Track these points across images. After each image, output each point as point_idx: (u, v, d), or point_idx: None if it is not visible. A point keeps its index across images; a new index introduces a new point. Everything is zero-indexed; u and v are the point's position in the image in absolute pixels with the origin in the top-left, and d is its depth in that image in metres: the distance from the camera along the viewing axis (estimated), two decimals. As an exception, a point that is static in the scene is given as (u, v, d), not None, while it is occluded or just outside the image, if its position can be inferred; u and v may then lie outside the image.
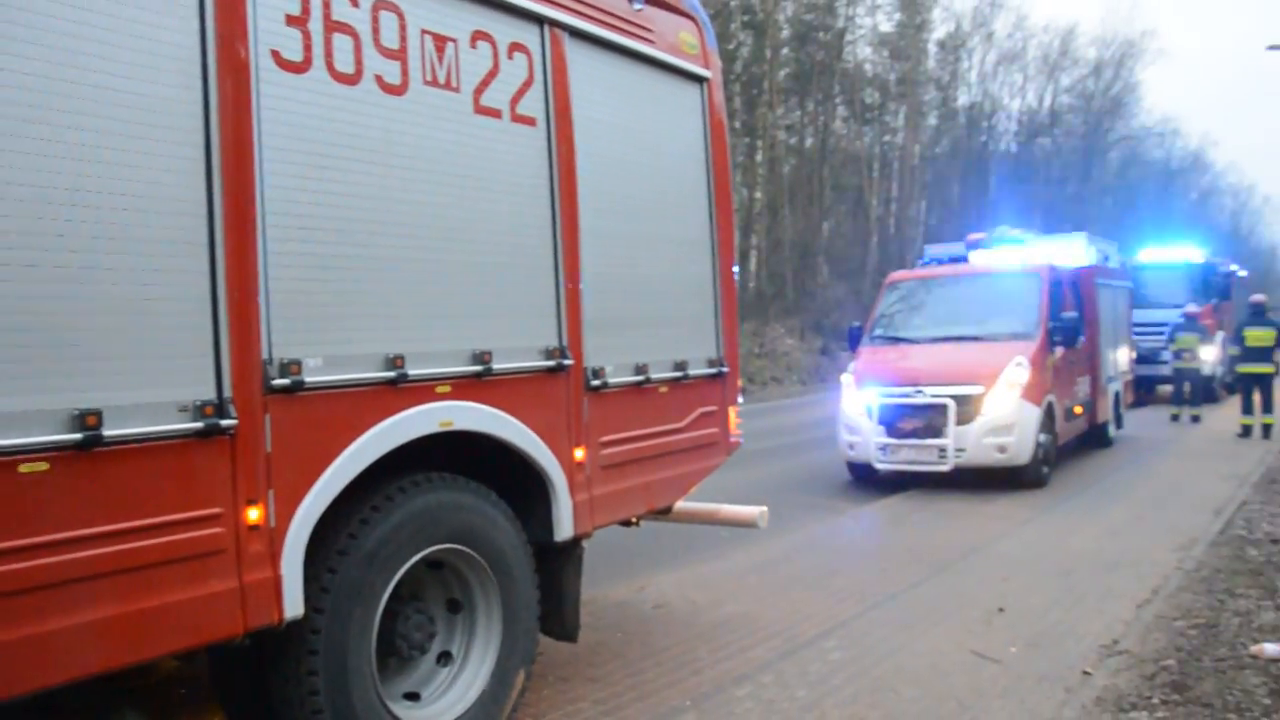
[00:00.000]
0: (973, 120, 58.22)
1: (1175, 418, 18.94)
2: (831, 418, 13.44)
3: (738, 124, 44.69)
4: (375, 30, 3.86)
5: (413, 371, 3.94)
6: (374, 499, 3.92)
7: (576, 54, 4.92)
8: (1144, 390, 22.72)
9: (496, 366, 4.33)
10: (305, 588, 3.58)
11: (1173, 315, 23.00)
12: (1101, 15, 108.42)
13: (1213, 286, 23.60)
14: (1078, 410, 13.34)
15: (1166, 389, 25.29)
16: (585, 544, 5.17)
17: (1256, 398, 16.19)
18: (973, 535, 9.19)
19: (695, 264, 5.83)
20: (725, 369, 5.96)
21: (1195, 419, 18.73)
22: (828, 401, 21.86)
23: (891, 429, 11.46)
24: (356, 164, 3.79)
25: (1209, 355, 21.27)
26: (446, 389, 4.13)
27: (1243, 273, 28.60)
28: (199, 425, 3.24)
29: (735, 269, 6.15)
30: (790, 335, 35.72)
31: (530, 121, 4.62)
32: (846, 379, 12.35)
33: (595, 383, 4.91)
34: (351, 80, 3.77)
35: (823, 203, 48.61)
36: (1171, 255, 24.54)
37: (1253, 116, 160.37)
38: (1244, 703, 4.95)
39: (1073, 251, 14.36)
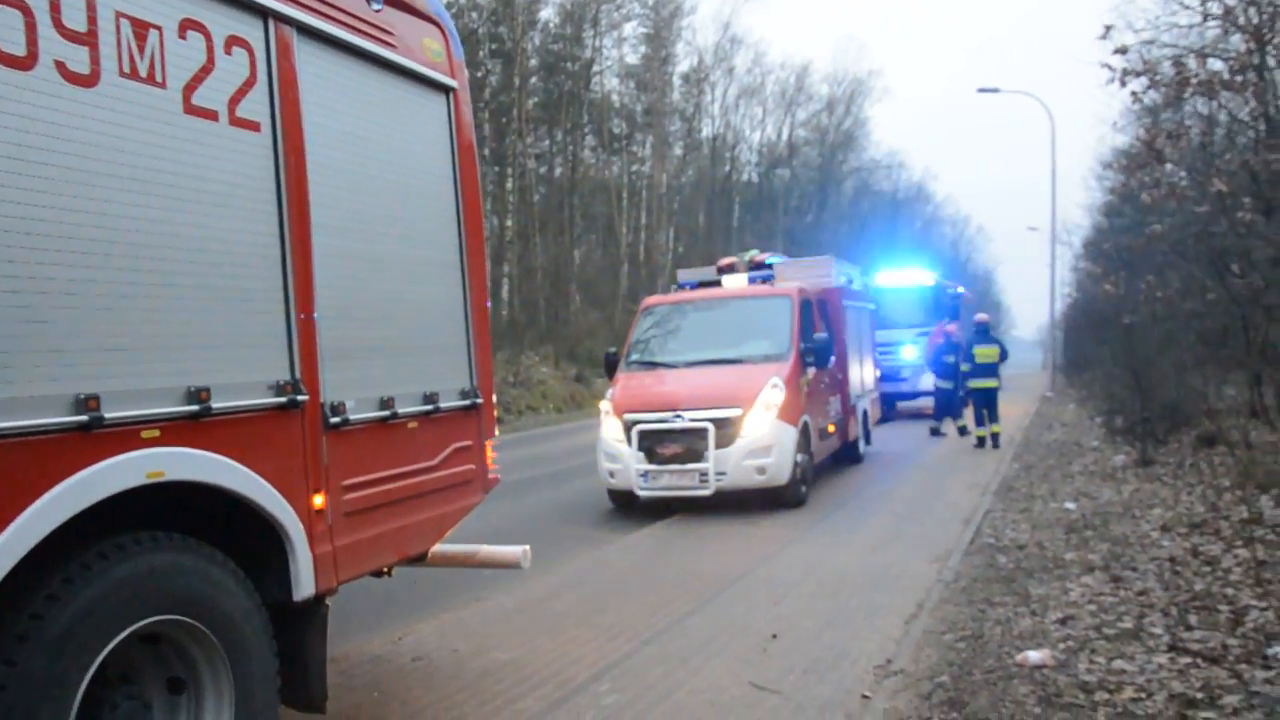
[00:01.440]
0: (716, 151, 60.04)
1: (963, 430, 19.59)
2: (590, 445, 13.23)
3: (486, 152, 44.29)
4: (55, 7, 3.24)
5: (111, 414, 3.31)
6: (66, 569, 3.25)
7: (307, 54, 4.40)
8: (885, 406, 23.77)
9: (216, 405, 3.73)
10: (-28, 686, 2.91)
11: (909, 335, 24.26)
12: (832, 54, 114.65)
13: (943, 307, 24.95)
14: (831, 429, 13.63)
15: (906, 406, 26.72)
16: (332, 597, 4.61)
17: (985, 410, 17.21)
18: (740, 559, 9.09)
19: (444, 287, 5.37)
20: (479, 400, 5.52)
21: (936, 432, 19.72)
22: (585, 429, 21.74)
23: (652, 455, 11.31)
24: (32, 166, 3.14)
25: (942, 372, 22.44)
26: (155, 434, 3.51)
27: (968, 294, 30.50)
28: None
29: (488, 293, 5.75)
30: (545, 363, 35.52)
31: (253, 126, 4.07)
32: (605, 406, 12.13)
33: (335, 420, 4.37)
34: (23, 64, 3.12)
35: (573, 231, 48.85)
36: (905, 278, 25.86)
37: (965, 153, 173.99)
38: (1016, 714, 4.92)
39: (819, 273, 14.72)
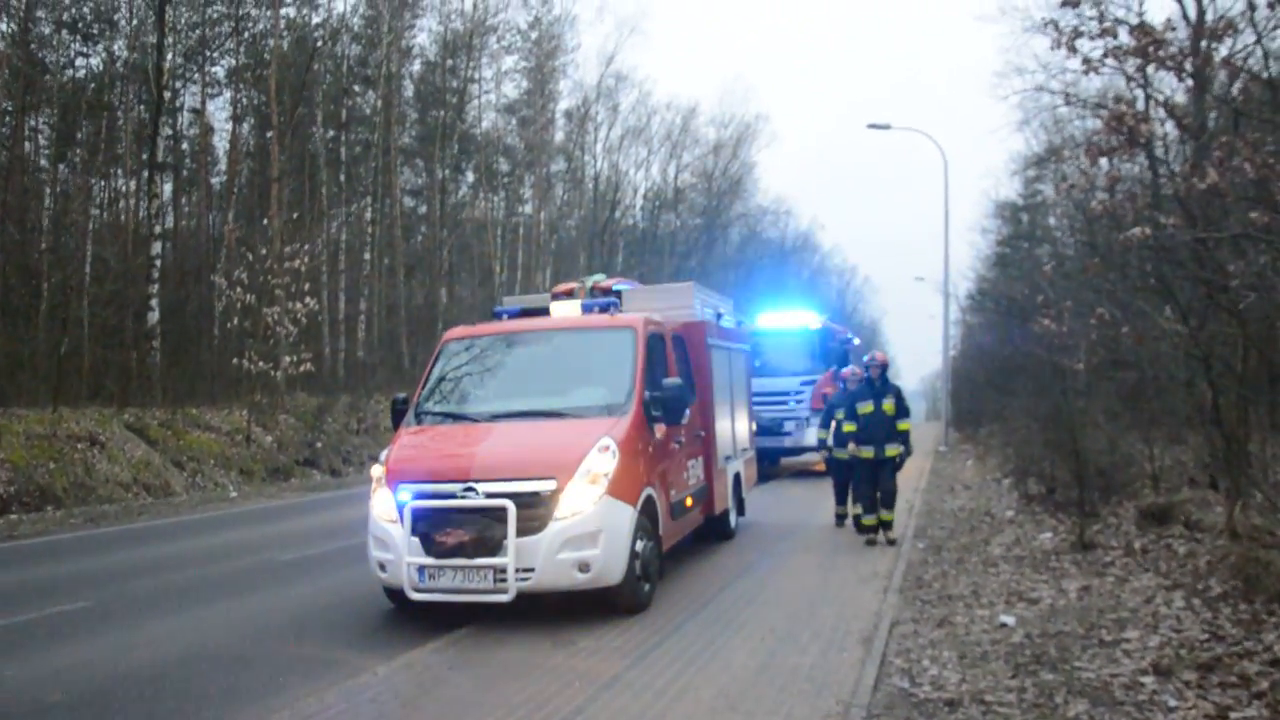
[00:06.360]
0: (600, 192, 57.52)
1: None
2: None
3: (343, 176, 40.78)
4: None
5: None
6: None
7: None
8: (768, 463, 20.91)
9: None
10: None
11: (794, 383, 21.47)
12: (719, 96, 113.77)
13: (831, 353, 22.26)
14: (689, 502, 10.49)
15: (790, 462, 23.87)
16: None
17: None
18: (533, 715, 5.89)
19: None
20: None
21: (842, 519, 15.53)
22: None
23: (430, 543, 8.03)
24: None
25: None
26: None
27: (856, 340, 27.99)
28: None
29: None
30: (397, 409, 31.88)
31: None
32: (377, 471, 8.85)
33: None
34: None
35: (444, 268, 45.61)
36: (788, 321, 23.12)
37: (854, 201, 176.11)
38: None
39: (678, 304, 11.69)
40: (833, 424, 13.10)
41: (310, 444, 26.66)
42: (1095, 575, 9.16)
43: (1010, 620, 7.62)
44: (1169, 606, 7.49)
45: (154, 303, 27.31)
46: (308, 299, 25.76)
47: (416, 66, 49.02)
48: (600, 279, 11.89)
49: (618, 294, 11.31)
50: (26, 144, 32.94)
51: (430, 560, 7.98)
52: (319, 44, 39.51)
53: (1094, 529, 11.17)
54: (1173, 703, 5.41)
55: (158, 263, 28.03)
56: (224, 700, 6.52)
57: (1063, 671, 6.18)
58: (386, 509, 8.41)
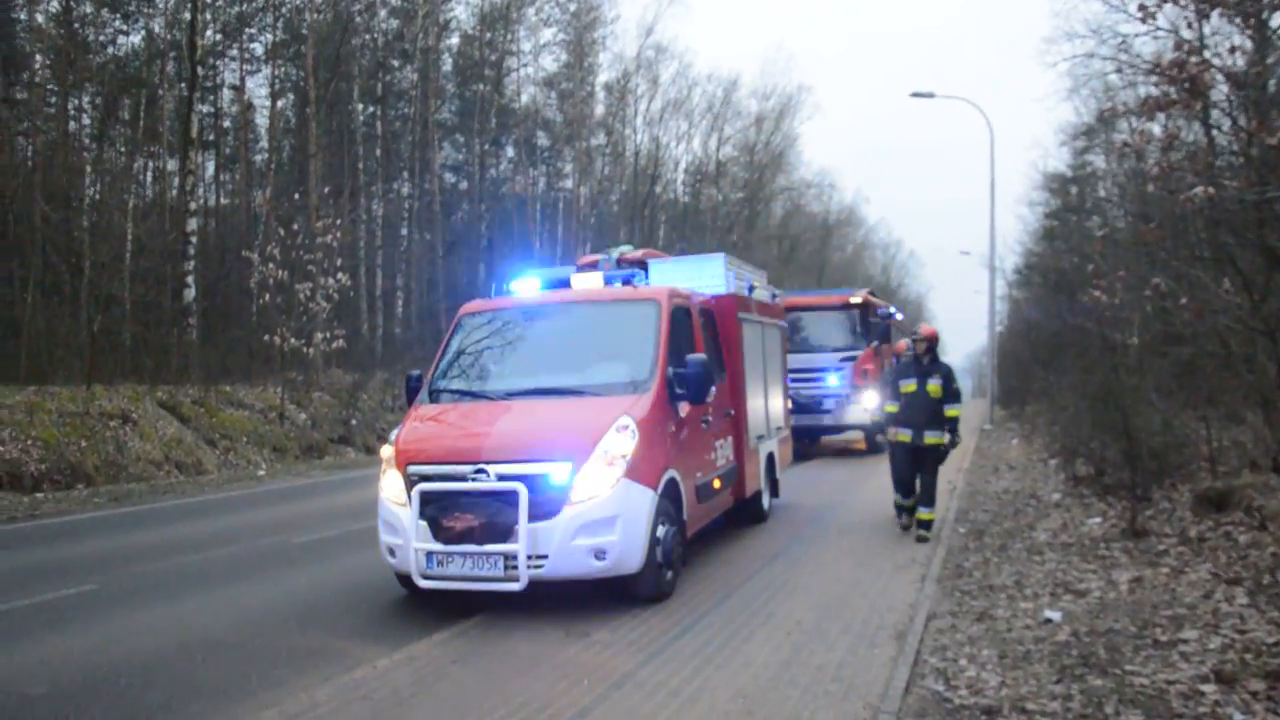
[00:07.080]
0: (640, 167, 56.88)
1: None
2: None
3: (377, 151, 40.54)
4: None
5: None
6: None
7: None
8: (807, 441, 20.42)
9: None
10: None
11: (834, 359, 20.89)
12: (761, 66, 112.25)
13: (874, 329, 21.62)
14: (717, 484, 10.00)
15: (830, 440, 23.32)
16: None
17: None
18: (534, 717, 5.46)
19: None
20: None
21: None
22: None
23: (439, 528, 7.63)
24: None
25: (871, 403, 19.10)
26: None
27: (900, 316, 27.29)
28: None
29: None
30: (433, 384, 31.69)
31: None
32: (386, 451, 8.46)
33: None
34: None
35: (484, 243, 45.39)
36: (828, 297, 22.49)
37: (898, 173, 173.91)
38: None
39: (708, 276, 11.18)
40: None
41: (345, 421, 26.46)
42: (1148, 565, 8.58)
43: (1056, 615, 7.08)
44: (1231, 603, 6.92)
45: (190, 280, 27.25)
46: (340, 274, 25.47)
47: (454, 40, 48.79)
48: (627, 250, 11.43)
49: (644, 266, 10.83)
50: (71, 123, 33.02)
51: (439, 546, 7.58)
52: (355, 18, 39.25)
53: (1146, 514, 10.57)
54: (1239, 716, 4.88)
55: (194, 239, 27.93)
56: (214, 694, 6.16)
57: (1113, 676, 5.64)
58: (396, 491, 8.02)
